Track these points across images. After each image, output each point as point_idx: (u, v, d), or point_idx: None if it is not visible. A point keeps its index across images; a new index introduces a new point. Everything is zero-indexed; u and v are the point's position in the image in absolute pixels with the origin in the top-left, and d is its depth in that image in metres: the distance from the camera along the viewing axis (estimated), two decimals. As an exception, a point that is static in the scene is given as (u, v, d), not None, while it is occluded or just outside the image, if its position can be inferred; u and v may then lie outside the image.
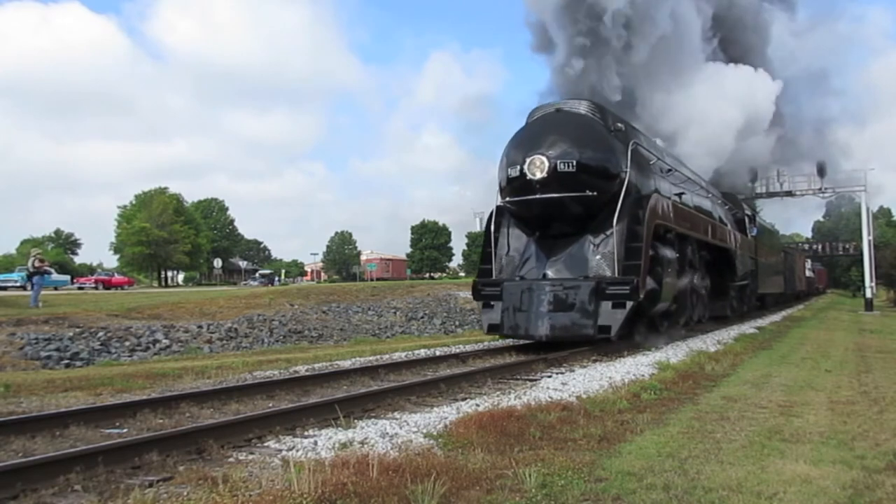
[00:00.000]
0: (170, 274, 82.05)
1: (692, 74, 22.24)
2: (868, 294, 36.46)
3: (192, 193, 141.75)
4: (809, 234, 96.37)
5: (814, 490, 3.96)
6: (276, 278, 77.61)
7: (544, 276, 11.66)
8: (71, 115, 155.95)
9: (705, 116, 21.82)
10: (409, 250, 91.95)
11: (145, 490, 3.80)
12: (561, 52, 15.84)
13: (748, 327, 18.57)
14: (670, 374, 8.88)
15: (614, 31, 15.19)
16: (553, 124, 12.10)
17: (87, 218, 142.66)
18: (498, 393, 7.27)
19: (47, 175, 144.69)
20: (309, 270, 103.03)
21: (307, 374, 8.96)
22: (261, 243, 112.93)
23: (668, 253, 12.66)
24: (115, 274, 53.56)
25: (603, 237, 11.58)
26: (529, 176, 11.44)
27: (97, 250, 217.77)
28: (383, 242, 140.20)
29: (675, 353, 11.52)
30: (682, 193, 15.30)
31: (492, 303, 11.93)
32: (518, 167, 11.63)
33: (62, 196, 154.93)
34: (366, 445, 4.85)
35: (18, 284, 35.20)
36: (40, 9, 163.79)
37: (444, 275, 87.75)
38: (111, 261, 76.14)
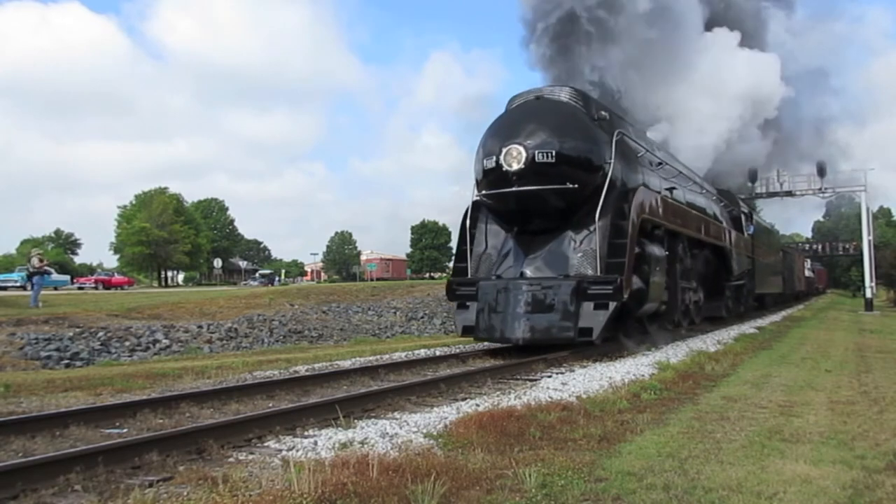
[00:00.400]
0: (170, 274, 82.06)
1: (690, 58, 21.68)
2: (868, 294, 36.46)
3: (192, 193, 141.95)
4: (809, 234, 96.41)
5: (814, 490, 3.96)
6: (276, 278, 77.61)
7: (522, 274, 11.01)
8: (71, 115, 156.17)
9: (709, 96, 21.39)
10: (409, 250, 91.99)
11: (145, 490, 3.80)
12: (543, 40, 15.49)
13: (748, 327, 18.56)
14: (670, 374, 8.87)
15: (596, 12, 14.81)
16: (532, 112, 11.43)
17: (87, 218, 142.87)
18: (498, 393, 7.27)
19: (47, 175, 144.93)
20: (309, 270, 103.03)
21: (307, 374, 8.96)
22: (261, 243, 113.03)
23: (657, 250, 11.96)
24: (115, 274, 53.59)
25: (585, 233, 10.91)
26: (506, 167, 10.70)
27: (97, 250, 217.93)
28: (383, 242, 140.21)
29: (675, 353, 11.51)
30: (674, 188, 14.67)
31: (467, 303, 11.32)
32: (494, 158, 10.92)
33: (62, 196, 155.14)
34: (366, 445, 4.85)
35: (18, 284, 35.22)
36: (40, 9, 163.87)
37: (445, 275, 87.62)
38: (111, 261, 76.24)
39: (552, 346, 10.43)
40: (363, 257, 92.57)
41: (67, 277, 47.20)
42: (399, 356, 11.28)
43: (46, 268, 25.18)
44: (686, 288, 14.95)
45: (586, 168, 10.93)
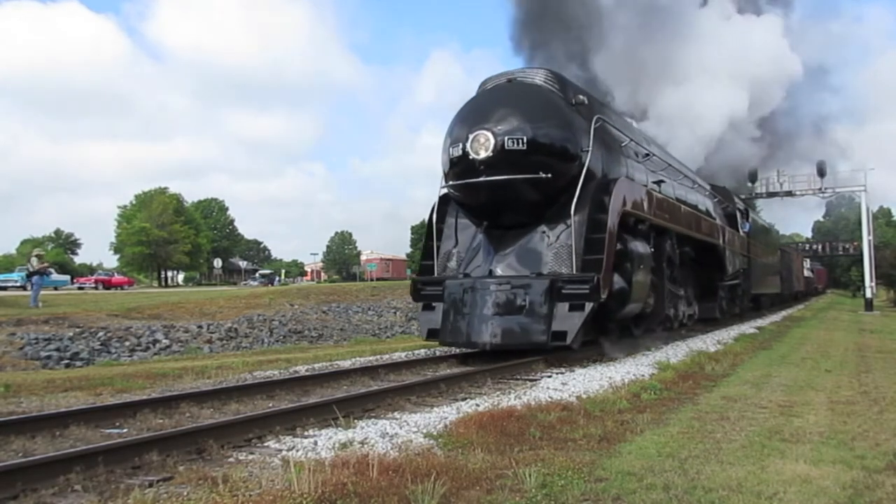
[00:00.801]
0: (170, 274, 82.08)
1: (687, 32, 20.88)
2: (868, 294, 36.49)
3: (192, 193, 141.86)
4: (809, 234, 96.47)
5: (814, 490, 3.96)
6: (276, 278, 77.62)
7: (490, 272, 10.16)
8: (71, 115, 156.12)
9: (706, 77, 20.59)
10: (409, 250, 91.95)
11: (145, 490, 3.80)
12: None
13: (748, 327, 18.57)
14: (670, 374, 8.88)
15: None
16: (502, 96, 10.60)
17: (87, 218, 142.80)
18: (498, 393, 7.27)
19: (47, 175, 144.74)
20: (309, 270, 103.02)
21: (307, 374, 8.96)
22: (261, 243, 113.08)
23: (641, 247, 11.09)
24: (115, 274, 53.56)
25: (561, 228, 10.07)
26: (473, 155, 9.87)
27: (97, 250, 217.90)
28: (383, 242, 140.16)
29: (675, 353, 11.52)
30: (662, 181, 13.86)
31: (433, 304, 10.49)
32: (460, 146, 10.06)
33: (62, 196, 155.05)
34: (366, 445, 4.85)
35: (18, 284, 35.21)
36: (40, 8, 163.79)
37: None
38: (111, 261, 76.26)
39: (524, 351, 9.73)
40: (363, 257, 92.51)
41: (67, 277, 47.20)
42: (399, 356, 11.28)
43: (46, 268, 25.20)
44: (675, 288, 14.22)
45: (561, 156, 10.14)
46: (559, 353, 9.99)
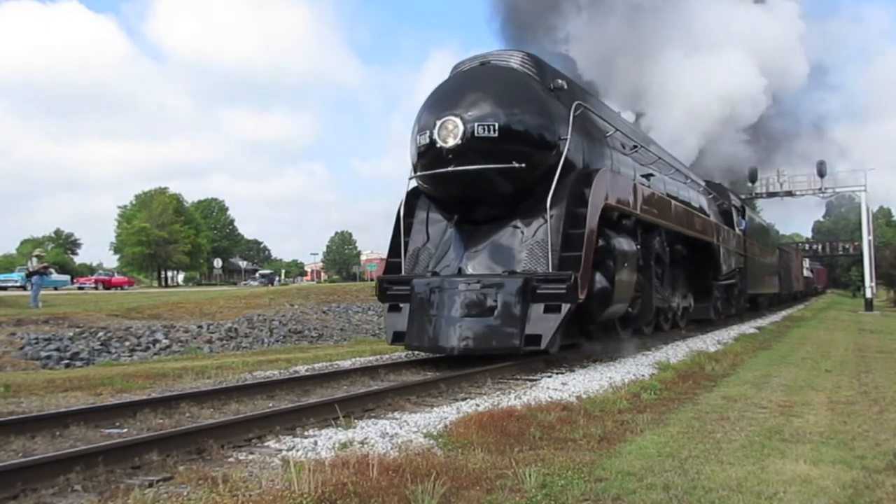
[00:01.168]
0: (170, 274, 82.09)
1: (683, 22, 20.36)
2: (868, 294, 36.51)
3: (192, 193, 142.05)
4: (809, 234, 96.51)
5: (814, 490, 3.96)
6: (276, 278, 77.62)
7: (460, 271, 9.47)
8: (71, 114, 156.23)
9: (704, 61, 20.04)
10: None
11: (145, 490, 3.80)
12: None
13: (748, 327, 18.57)
14: (670, 374, 8.88)
15: None
16: (474, 80, 9.94)
17: (87, 218, 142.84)
18: (498, 393, 7.27)
19: (47, 175, 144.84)
20: (309, 270, 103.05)
21: (307, 374, 8.96)
22: (261, 243, 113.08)
23: (625, 244, 10.34)
24: (115, 274, 53.57)
25: (537, 222, 9.36)
26: (440, 143, 9.20)
27: (97, 250, 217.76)
28: (383, 242, 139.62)
29: (675, 353, 11.52)
30: (651, 175, 13.23)
31: (400, 305, 9.81)
32: (427, 133, 9.41)
33: (62, 196, 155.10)
34: (366, 445, 4.85)
35: (18, 284, 35.21)
36: (39, 8, 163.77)
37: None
38: (111, 261, 76.25)
39: (496, 356, 9.06)
40: (363, 257, 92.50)
41: (67, 277, 47.19)
42: (399, 356, 11.27)
43: (46, 268, 25.19)
44: (664, 291, 13.60)
45: (536, 144, 9.45)
46: (561, 354, 9.68)
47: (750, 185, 36.83)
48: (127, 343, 17.06)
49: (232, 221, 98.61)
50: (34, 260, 22.78)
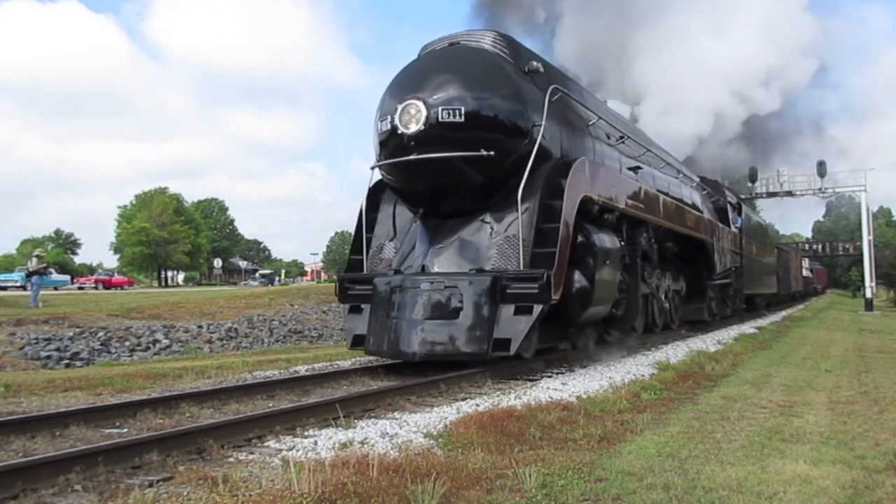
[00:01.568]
0: (170, 274, 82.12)
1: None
2: (868, 294, 36.54)
3: (192, 193, 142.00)
4: (809, 234, 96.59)
5: (814, 490, 3.96)
6: (276, 278, 77.62)
7: (423, 269, 8.79)
8: (71, 114, 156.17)
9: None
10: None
11: (145, 490, 3.80)
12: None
13: (748, 327, 18.57)
14: (670, 374, 8.88)
15: None
16: (440, 62, 9.26)
17: (87, 218, 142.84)
18: (498, 393, 7.27)
19: (47, 175, 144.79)
20: (309, 270, 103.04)
21: (307, 374, 8.96)
22: (261, 243, 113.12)
23: (607, 240, 9.65)
24: (115, 274, 53.62)
25: (508, 216, 8.67)
26: (402, 130, 8.54)
27: (97, 250, 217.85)
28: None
29: (675, 353, 11.52)
30: (638, 168, 12.56)
31: (362, 306, 9.15)
32: (389, 119, 8.77)
33: (62, 196, 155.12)
34: (366, 445, 4.86)
35: (18, 284, 35.23)
36: (39, 8, 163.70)
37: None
38: (111, 261, 76.27)
39: (462, 362, 8.33)
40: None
41: (67, 277, 47.24)
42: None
43: (46, 268, 25.21)
44: (654, 287, 13.02)
45: (507, 131, 8.76)
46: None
47: (750, 185, 36.90)
48: (127, 343, 17.06)
49: (232, 221, 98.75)
50: (34, 260, 22.78)
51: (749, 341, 14.52)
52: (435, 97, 8.57)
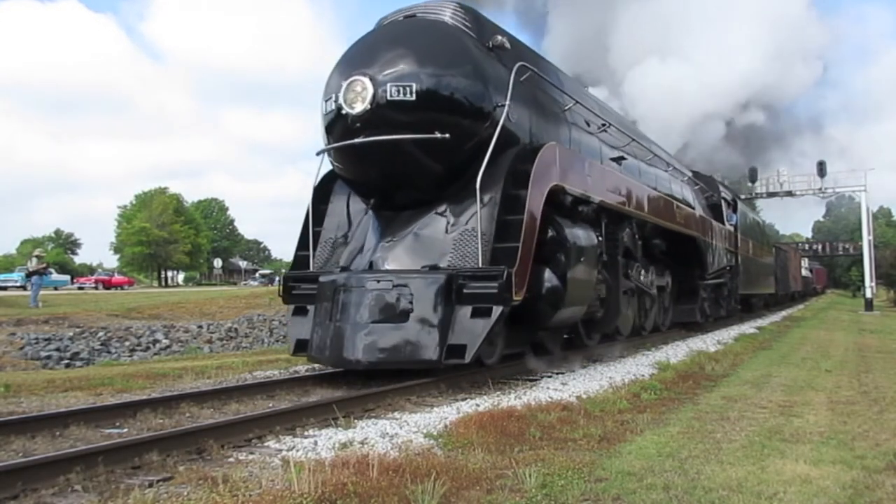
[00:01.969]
0: (170, 274, 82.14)
1: None
2: (868, 294, 36.55)
3: (192, 193, 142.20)
4: (809, 234, 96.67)
5: (814, 490, 3.96)
6: (276, 278, 77.57)
7: (371, 266, 7.91)
8: (71, 114, 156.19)
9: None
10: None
11: (145, 490, 3.80)
12: None
13: (748, 327, 18.58)
14: (670, 374, 8.88)
15: None
16: (394, 35, 8.44)
17: (87, 218, 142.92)
18: (498, 393, 7.27)
19: (47, 175, 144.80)
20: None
21: (307, 374, 8.95)
22: (261, 243, 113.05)
23: (582, 235, 8.84)
24: (116, 274, 53.64)
25: (469, 208, 7.78)
26: (346, 109, 7.72)
27: (97, 250, 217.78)
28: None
29: (675, 353, 11.53)
30: (622, 159, 11.74)
31: (307, 307, 8.22)
32: (334, 98, 7.97)
33: (62, 196, 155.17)
34: (366, 445, 4.86)
35: (18, 284, 35.24)
36: (38, 7, 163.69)
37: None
38: (111, 261, 76.36)
39: (413, 370, 7.47)
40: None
41: (67, 277, 47.28)
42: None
43: (46, 268, 25.22)
44: (638, 287, 12.24)
45: (466, 112, 7.93)
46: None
47: (750, 184, 36.93)
48: (127, 343, 17.06)
49: (232, 221, 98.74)
50: (34, 260, 22.79)
51: (749, 341, 14.52)
52: (384, 74, 7.73)
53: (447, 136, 7.72)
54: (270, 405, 6.73)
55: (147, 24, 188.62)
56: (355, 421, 5.74)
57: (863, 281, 40.23)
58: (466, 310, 7.26)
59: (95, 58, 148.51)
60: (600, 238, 9.76)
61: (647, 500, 3.81)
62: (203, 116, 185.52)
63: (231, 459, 4.66)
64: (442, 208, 8.07)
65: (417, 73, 7.76)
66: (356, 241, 8.58)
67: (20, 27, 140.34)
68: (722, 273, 17.84)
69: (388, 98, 7.65)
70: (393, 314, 7.25)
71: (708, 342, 13.66)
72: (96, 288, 42.45)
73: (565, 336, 10.32)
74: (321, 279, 8.00)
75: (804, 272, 48.67)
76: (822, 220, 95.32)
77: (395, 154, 7.82)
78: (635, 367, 9.56)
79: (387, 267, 7.83)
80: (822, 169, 35.78)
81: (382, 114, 7.68)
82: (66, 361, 14.95)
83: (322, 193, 9.06)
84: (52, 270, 35.82)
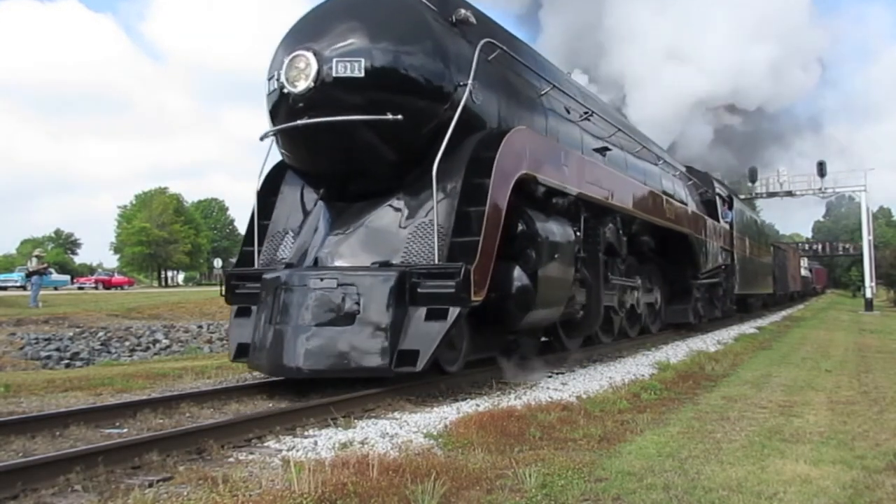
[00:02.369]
0: (170, 274, 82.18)
1: None
2: (868, 294, 36.55)
3: (192, 193, 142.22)
4: (809, 234, 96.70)
5: (814, 490, 3.96)
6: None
7: (316, 262, 7.15)
8: (71, 114, 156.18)
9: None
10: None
11: (145, 490, 3.80)
12: None
13: (748, 327, 18.57)
14: (670, 374, 8.88)
15: None
16: (344, 7, 7.54)
17: (87, 218, 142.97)
18: (498, 393, 7.27)
19: (47, 175, 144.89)
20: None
21: (307, 374, 8.94)
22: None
23: (557, 230, 8.16)
24: (115, 274, 53.67)
25: (425, 198, 7.06)
26: (288, 88, 6.99)
27: (97, 250, 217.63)
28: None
29: (675, 353, 11.53)
30: (606, 149, 10.94)
31: (252, 307, 7.43)
32: (276, 76, 7.21)
33: (62, 196, 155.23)
34: (366, 445, 4.86)
35: (18, 284, 35.26)
36: (38, 7, 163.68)
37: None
38: (111, 261, 76.44)
39: (360, 379, 6.79)
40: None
41: (67, 277, 47.32)
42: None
43: (46, 268, 25.23)
44: (622, 287, 11.58)
45: (422, 92, 7.20)
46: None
47: (750, 184, 36.94)
48: (127, 343, 17.07)
49: (232, 221, 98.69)
50: (34, 260, 22.83)
51: (749, 341, 14.52)
52: (331, 48, 6.98)
53: (399, 117, 6.96)
54: (270, 405, 6.73)
55: (147, 24, 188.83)
56: (355, 421, 5.74)
57: (863, 281, 40.24)
58: (421, 311, 6.56)
59: (95, 58, 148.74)
60: (578, 233, 9.05)
61: (647, 500, 3.81)
62: (203, 116, 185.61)
63: (231, 459, 4.66)
64: (398, 199, 7.33)
65: (368, 48, 7.03)
66: (305, 235, 7.82)
67: (20, 27, 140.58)
68: (716, 272, 17.21)
69: (335, 75, 6.91)
70: (338, 316, 6.51)
71: (708, 342, 13.66)
72: (96, 288, 42.48)
73: (543, 339, 9.81)
74: (264, 277, 7.24)
75: (804, 272, 48.61)
76: (821, 220, 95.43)
77: (344, 138, 7.13)
78: (635, 367, 9.56)
79: (334, 263, 7.11)
80: (821, 169, 35.76)
81: (328, 92, 6.94)
82: (66, 361, 14.96)
83: (273, 184, 8.29)
84: (51, 270, 35.85)
